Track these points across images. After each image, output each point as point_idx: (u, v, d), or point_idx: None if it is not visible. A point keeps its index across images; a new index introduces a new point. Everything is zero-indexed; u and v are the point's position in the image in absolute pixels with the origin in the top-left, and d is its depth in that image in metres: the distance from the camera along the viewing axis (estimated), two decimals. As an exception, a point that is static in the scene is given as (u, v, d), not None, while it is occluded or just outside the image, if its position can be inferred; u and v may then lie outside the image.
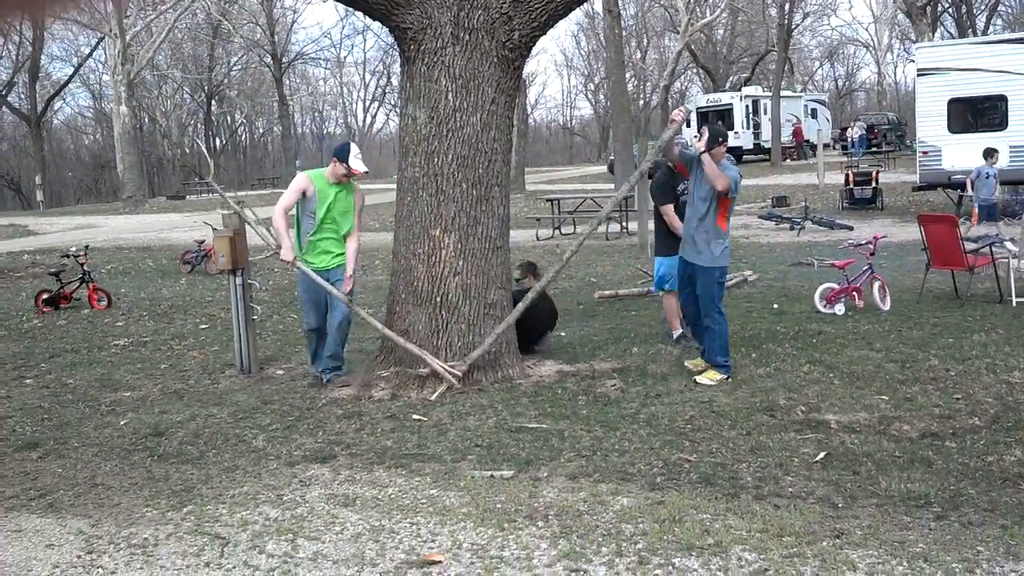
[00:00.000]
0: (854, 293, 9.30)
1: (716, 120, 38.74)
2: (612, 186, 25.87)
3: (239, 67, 63.44)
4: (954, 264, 9.53)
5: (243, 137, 77.58)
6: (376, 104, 74.70)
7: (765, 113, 41.93)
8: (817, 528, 4.18)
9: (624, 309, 10.25)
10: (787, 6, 41.76)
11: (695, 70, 61.32)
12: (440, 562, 4.06)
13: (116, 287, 13.98)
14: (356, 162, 7.22)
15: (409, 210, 7.27)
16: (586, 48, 73.52)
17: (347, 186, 7.35)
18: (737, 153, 35.37)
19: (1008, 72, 17.55)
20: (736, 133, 38.61)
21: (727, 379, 6.80)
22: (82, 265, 12.55)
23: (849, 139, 41.22)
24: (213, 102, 63.28)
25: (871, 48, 69.85)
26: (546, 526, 4.37)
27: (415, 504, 4.76)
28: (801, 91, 55.92)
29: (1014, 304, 9.03)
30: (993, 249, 9.62)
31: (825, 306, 9.22)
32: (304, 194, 7.23)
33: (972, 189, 15.37)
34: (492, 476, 5.10)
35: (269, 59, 54.20)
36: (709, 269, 7.04)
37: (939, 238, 9.59)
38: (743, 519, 4.32)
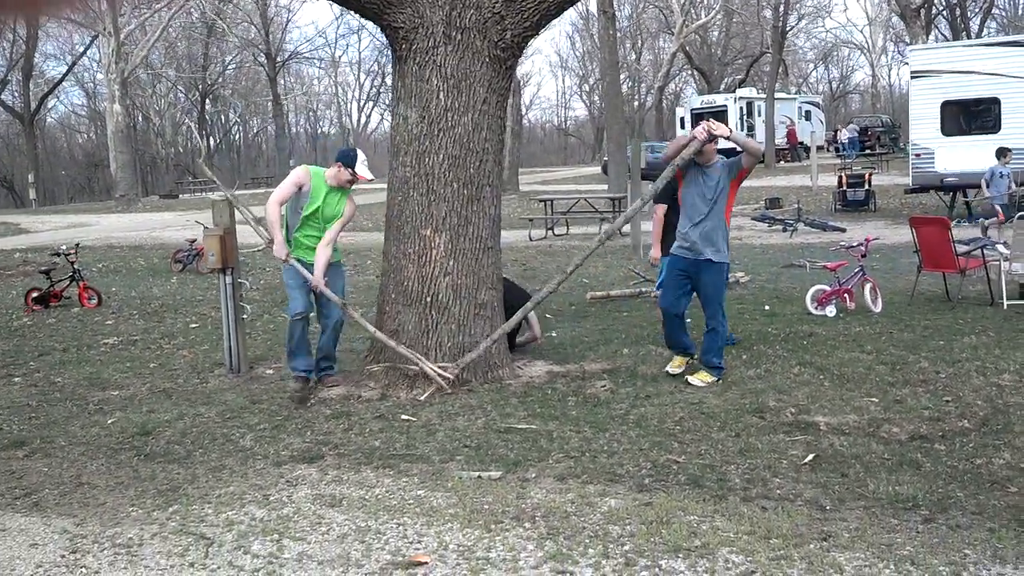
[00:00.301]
0: (845, 295, 9.30)
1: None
2: (606, 187, 25.88)
3: (233, 66, 63.40)
4: (945, 266, 9.54)
5: (237, 137, 77.52)
6: (371, 104, 74.73)
7: (759, 115, 42.00)
8: (804, 530, 4.16)
9: (616, 310, 10.24)
10: (782, 8, 41.88)
11: (690, 71, 61.45)
12: (426, 563, 4.04)
13: (107, 286, 13.94)
14: (363, 169, 7.02)
15: (400, 210, 7.25)
16: (581, 49, 73.68)
17: (343, 192, 7.15)
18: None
19: (1002, 75, 17.57)
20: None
21: (717, 381, 6.79)
22: (72, 263, 12.50)
23: (838, 142, 41.33)
24: (207, 101, 63.20)
25: (865, 50, 70.13)
26: (533, 527, 4.35)
27: (402, 505, 4.74)
28: (795, 93, 55.96)
29: (1005, 307, 9.03)
30: (984, 252, 9.63)
31: (816, 308, 9.22)
32: (299, 188, 7.03)
33: (987, 189, 15.41)
34: (480, 477, 5.08)
35: (263, 58, 54.13)
36: (719, 265, 6.89)
37: (930, 240, 9.59)
38: (730, 521, 4.31)
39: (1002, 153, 15.41)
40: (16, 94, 53.44)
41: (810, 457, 5.15)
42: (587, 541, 4.16)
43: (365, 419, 6.30)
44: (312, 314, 7.29)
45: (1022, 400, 6.06)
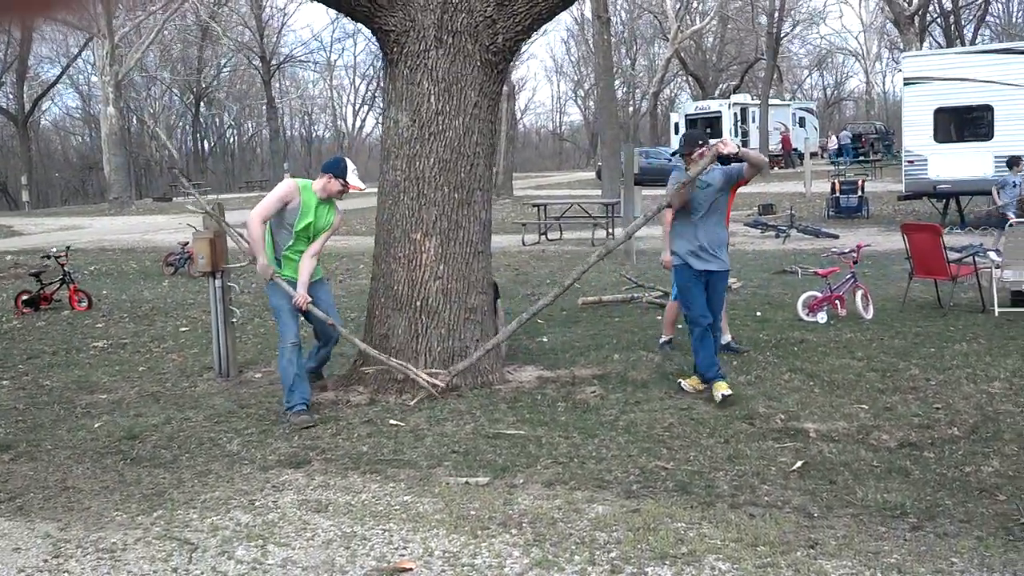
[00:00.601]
0: (837, 301, 9.29)
1: (705, 128, 38.89)
2: (599, 192, 25.88)
3: (228, 69, 63.31)
4: (937, 273, 9.53)
5: (231, 140, 77.41)
6: (366, 108, 74.63)
7: (753, 121, 42.07)
8: (792, 538, 4.15)
9: (607, 315, 10.22)
10: (776, 14, 41.94)
11: (684, 77, 61.52)
12: (411, 570, 4.01)
13: (98, 289, 13.88)
14: (354, 178, 6.65)
15: (390, 213, 7.22)
16: (576, 54, 73.69)
17: (332, 203, 6.77)
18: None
19: (995, 82, 17.59)
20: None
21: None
22: (63, 266, 12.45)
23: (829, 149, 41.49)
24: (202, 104, 63.13)
25: (860, 57, 70.28)
26: (519, 534, 4.33)
27: (388, 510, 4.71)
28: (790, 99, 56.08)
29: (996, 314, 9.03)
30: (976, 259, 9.63)
31: (808, 314, 9.21)
32: (286, 205, 6.58)
33: (999, 197, 15.45)
34: (467, 483, 5.05)
35: (258, 62, 54.09)
36: (727, 272, 6.98)
37: (922, 247, 9.59)
38: (718, 528, 4.29)
39: (1015, 162, 15.43)
40: (10, 96, 53.31)
41: (799, 464, 5.13)
42: (573, 548, 4.14)
43: (353, 424, 6.27)
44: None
45: (1012, 408, 6.05)
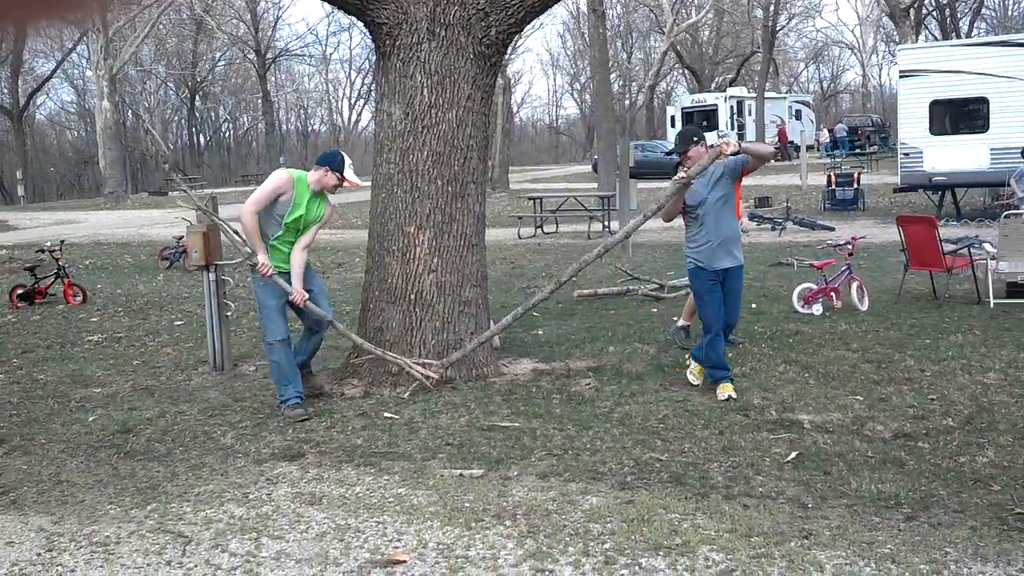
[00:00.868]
0: (832, 293, 9.29)
1: (701, 121, 38.91)
2: (595, 185, 25.88)
3: (223, 63, 63.17)
4: (932, 265, 9.53)
5: (227, 134, 77.21)
6: (362, 102, 74.44)
7: (750, 114, 42.05)
8: (786, 528, 4.14)
9: (603, 308, 10.21)
10: (772, 7, 41.91)
11: (680, 70, 61.47)
12: (404, 562, 4.01)
13: (93, 283, 13.86)
14: (351, 173, 6.54)
15: (384, 207, 7.21)
16: (572, 48, 73.59)
17: (323, 196, 6.62)
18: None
19: (990, 75, 17.58)
20: (721, 134, 38.67)
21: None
22: (57, 260, 12.43)
23: (823, 143, 41.48)
24: (197, 98, 62.98)
25: (856, 50, 70.34)
26: (513, 525, 4.32)
27: (382, 503, 4.70)
28: (786, 92, 56.06)
29: (991, 305, 9.03)
30: (971, 250, 9.63)
31: (803, 306, 9.21)
32: (278, 196, 6.44)
33: (1018, 187, 15.43)
34: (462, 475, 5.05)
35: (253, 55, 53.95)
36: (742, 267, 6.69)
37: (918, 239, 9.58)
38: (712, 519, 4.29)
39: None
40: (4, 90, 53.24)
41: (793, 455, 5.13)
42: (567, 539, 4.14)
43: (347, 417, 6.27)
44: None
45: (1007, 398, 6.05)
